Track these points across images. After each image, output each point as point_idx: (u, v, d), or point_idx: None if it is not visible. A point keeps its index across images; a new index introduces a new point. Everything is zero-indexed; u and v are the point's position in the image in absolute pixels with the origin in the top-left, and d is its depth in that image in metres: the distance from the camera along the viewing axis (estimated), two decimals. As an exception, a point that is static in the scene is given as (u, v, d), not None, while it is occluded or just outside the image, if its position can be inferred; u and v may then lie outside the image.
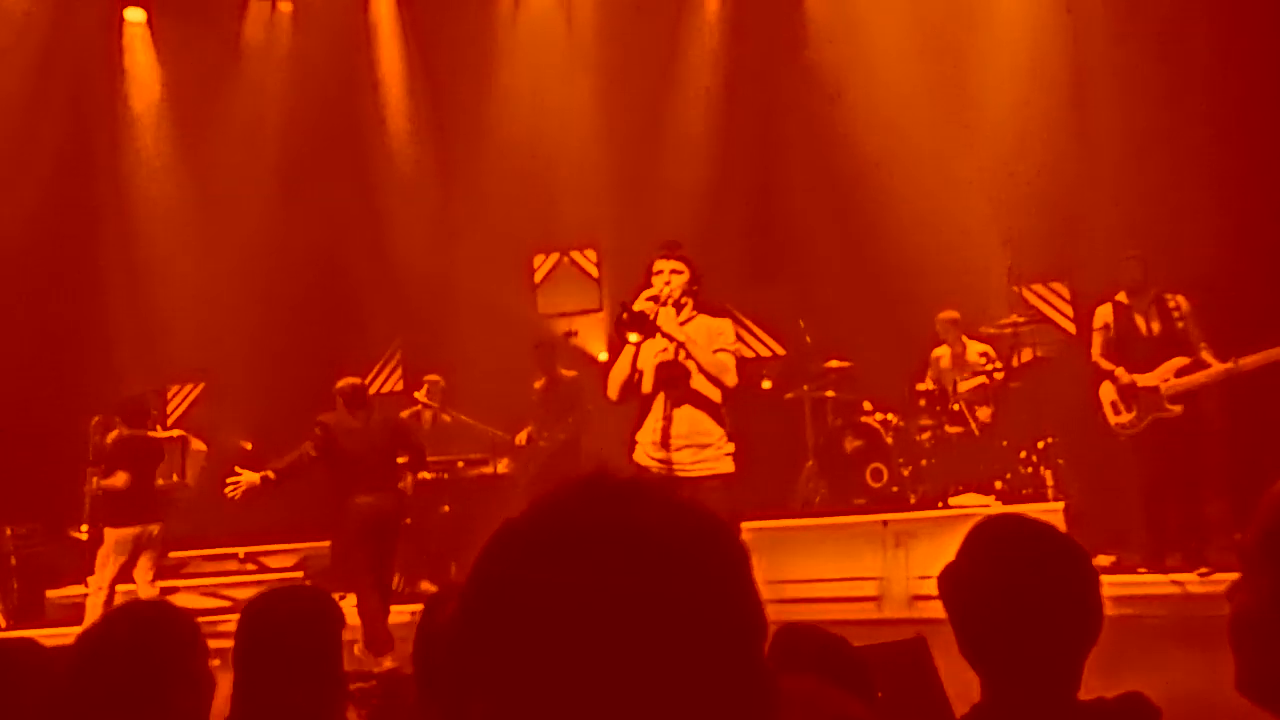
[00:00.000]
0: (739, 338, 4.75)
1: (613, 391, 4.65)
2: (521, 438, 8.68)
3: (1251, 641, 1.25)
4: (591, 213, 9.92)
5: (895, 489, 7.61)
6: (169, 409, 9.56)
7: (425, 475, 8.39)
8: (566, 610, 0.78)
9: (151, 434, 8.18)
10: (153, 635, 1.93)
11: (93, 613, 6.83)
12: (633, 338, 4.48)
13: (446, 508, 8.60)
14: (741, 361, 4.70)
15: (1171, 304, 6.59)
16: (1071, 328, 8.80)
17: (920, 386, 7.93)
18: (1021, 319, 7.80)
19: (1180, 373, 6.48)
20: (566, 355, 9.24)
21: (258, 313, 9.63)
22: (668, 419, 4.55)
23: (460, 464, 8.55)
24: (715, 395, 4.59)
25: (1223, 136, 7.56)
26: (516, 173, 9.78)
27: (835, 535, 7.11)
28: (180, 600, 8.27)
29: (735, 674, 0.79)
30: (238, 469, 6.52)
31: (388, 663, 6.27)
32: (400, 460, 7.04)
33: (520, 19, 10.20)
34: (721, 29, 9.77)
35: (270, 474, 6.53)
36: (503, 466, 8.60)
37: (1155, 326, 6.60)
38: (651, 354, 4.61)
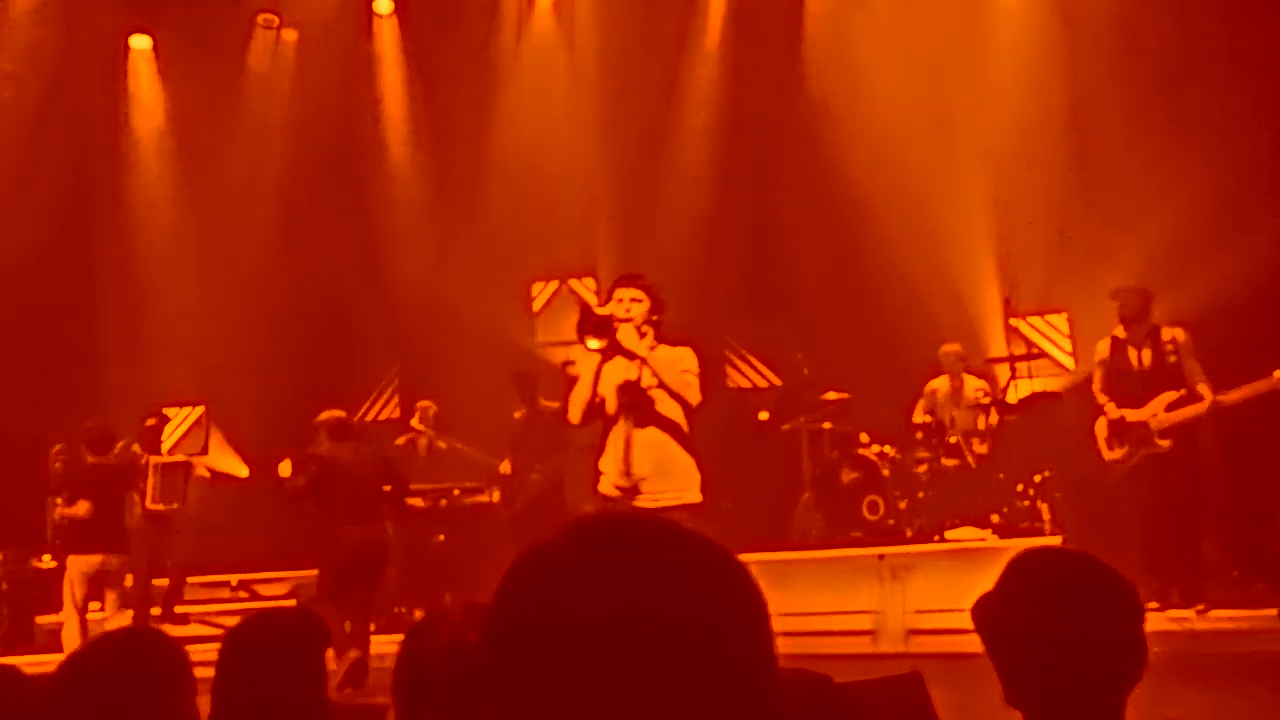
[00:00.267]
0: (703, 367, 4.59)
1: (574, 414, 4.56)
2: (505, 468, 8.56)
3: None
4: (591, 242, 9.95)
5: (891, 522, 7.58)
6: (166, 434, 9.49)
7: (417, 503, 8.38)
8: (587, 642, 0.80)
9: (157, 459, 8.18)
10: (137, 666, 1.90)
11: (69, 643, 6.77)
12: (592, 344, 4.35)
13: (441, 536, 8.57)
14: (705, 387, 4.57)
15: (1167, 337, 6.58)
16: (1070, 361, 8.80)
17: (917, 419, 7.92)
18: (1019, 352, 7.81)
19: (1170, 407, 6.46)
20: (553, 385, 9.09)
21: (255, 338, 9.63)
22: (630, 445, 4.45)
23: (456, 492, 8.52)
24: (680, 417, 4.48)
25: (1224, 167, 7.60)
26: (517, 201, 9.82)
27: (831, 568, 7.07)
28: (171, 627, 8.22)
29: (746, 710, 0.81)
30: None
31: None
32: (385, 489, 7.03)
33: (522, 49, 10.28)
34: (721, 61, 9.85)
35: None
36: (498, 495, 8.56)
37: (1147, 360, 6.59)
38: (613, 376, 4.51)
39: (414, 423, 9.03)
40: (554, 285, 10.42)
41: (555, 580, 0.84)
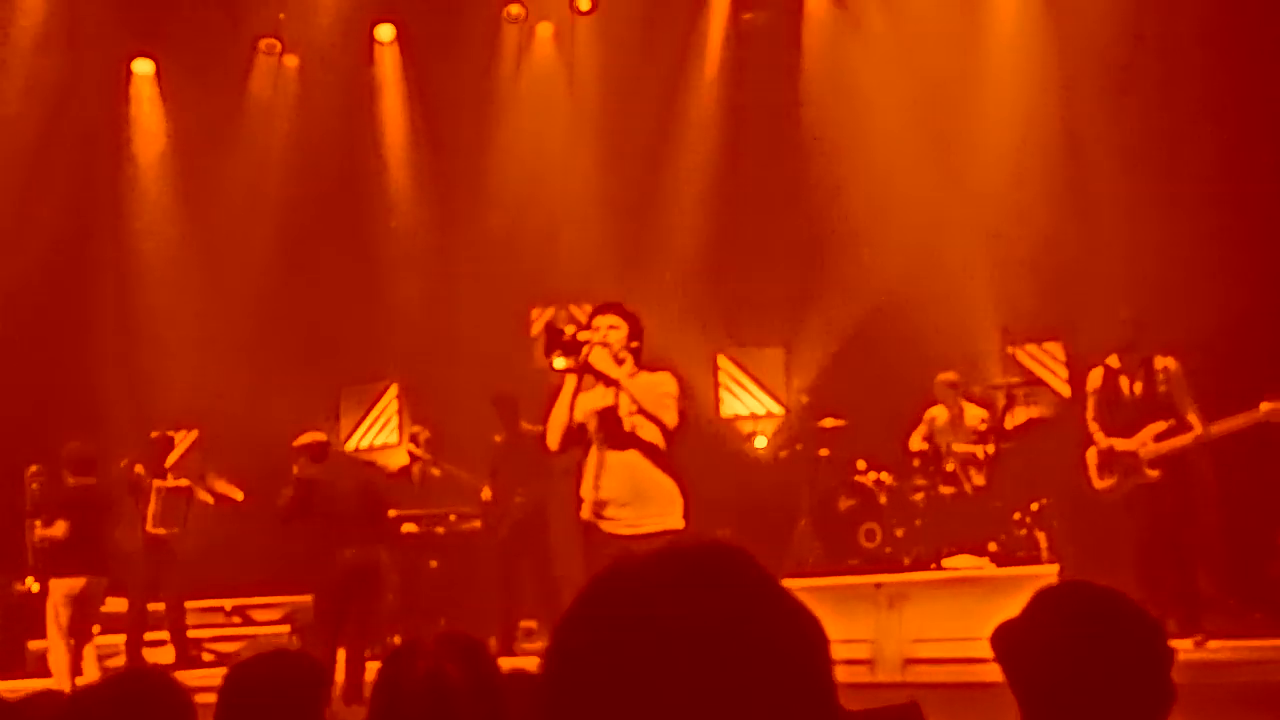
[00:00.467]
0: (684, 392, 4.59)
1: (552, 440, 4.55)
2: (486, 494, 8.37)
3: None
4: (589, 267, 9.98)
5: (889, 550, 7.56)
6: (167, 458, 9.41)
7: (412, 529, 8.36)
8: (653, 673, 0.80)
9: (160, 483, 8.15)
10: (143, 711, 1.88)
11: (56, 668, 6.70)
12: (558, 363, 4.35)
13: (435, 562, 8.54)
14: (683, 413, 4.55)
15: (1159, 366, 6.58)
16: (1066, 389, 8.81)
17: (914, 446, 7.92)
18: (1016, 380, 7.82)
19: (1159, 437, 6.46)
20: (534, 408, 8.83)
21: (252, 362, 9.63)
22: (608, 471, 4.44)
23: (452, 517, 8.49)
24: (658, 439, 4.46)
25: (1218, 197, 7.65)
26: (515, 227, 9.87)
27: (828, 596, 7.03)
28: (163, 654, 8.17)
29: None
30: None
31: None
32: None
33: (522, 77, 10.36)
34: (719, 91, 9.93)
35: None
36: (479, 523, 8.47)
37: (1138, 390, 6.60)
38: (589, 401, 4.50)
39: (410, 447, 9.01)
40: (552, 311, 10.44)
41: (625, 611, 0.84)
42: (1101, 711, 1.53)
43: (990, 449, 7.64)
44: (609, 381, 4.40)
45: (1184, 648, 6.20)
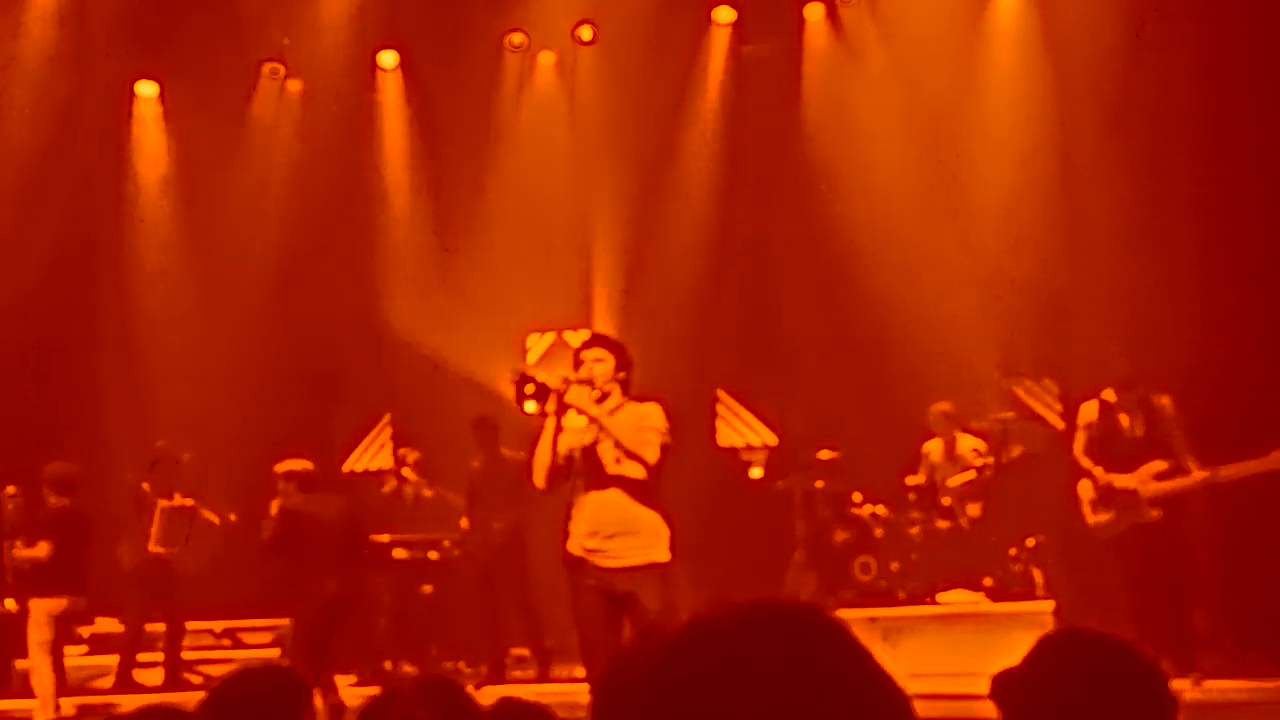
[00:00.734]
0: (669, 424, 4.55)
1: (539, 479, 4.57)
2: (463, 523, 8.26)
3: None
4: (586, 295, 10.00)
5: (884, 583, 7.53)
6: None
7: (402, 554, 8.31)
8: None
9: (165, 502, 8.12)
10: None
11: (41, 690, 6.63)
12: (529, 407, 4.44)
13: (429, 588, 8.47)
14: (668, 446, 4.53)
15: (1157, 404, 6.57)
16: (1060, 424, 8.80)
17: (911, 480, 7.91)
18: (1011, 415, 7.82)
19: (1160, 476, 6.41)
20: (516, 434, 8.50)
21: (248, 384, 9.63)
22: (592, 504, 4.47)
23: (446, 543, 8.43)
24: (640, 474, 4.46)
25: (1215, 235, 7.67)
26: (514, 253, 9.88)
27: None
28: (151, 676, 8.10)
29: None
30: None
31: None
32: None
33: (524, 105, 10.41)
34: (720, 120, 9.98)
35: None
36: (457, 551, 8.36)
37: (1140, 427, 6.56)
38: (571, 438, 4.53)
39: (405, 471, 8.98)
40: (549, 337, 10.45)
41: (712, 669, 0.84)
42: None
43: (989, 471, 7.61)
44: (590, 419, 4.42)
45: (1181, 687, 6.15)
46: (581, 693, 5.19)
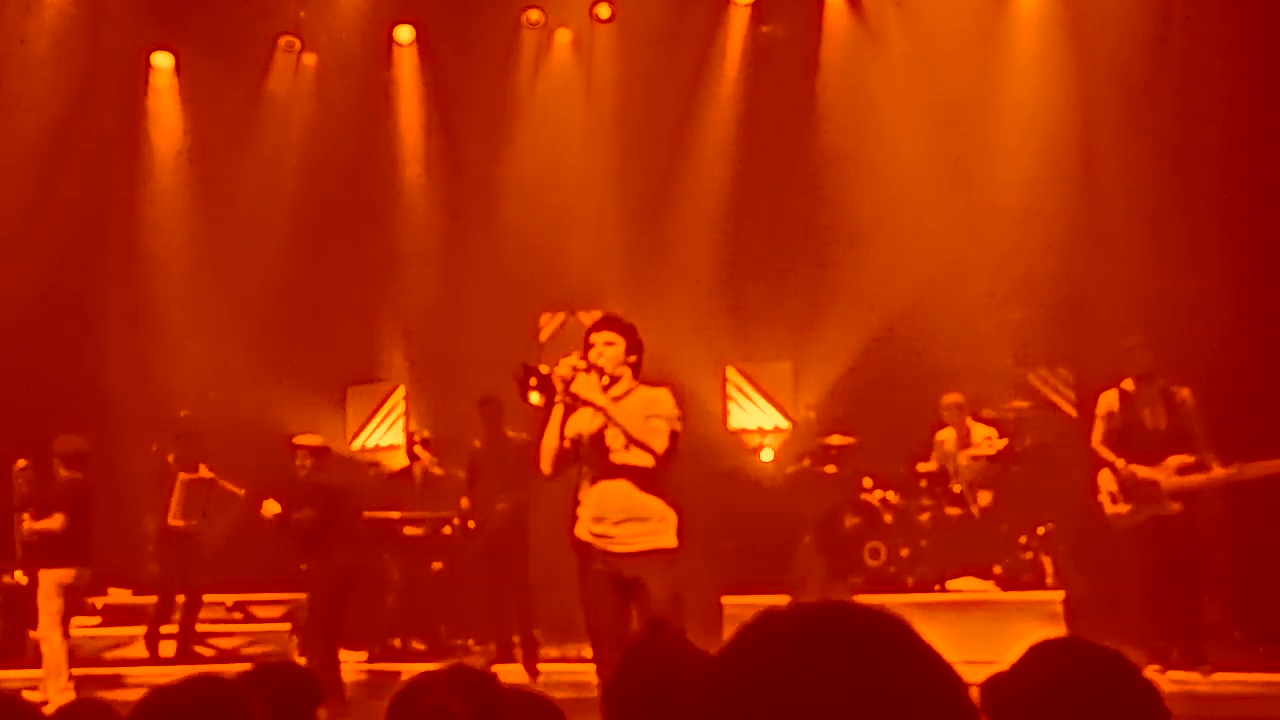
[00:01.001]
0: (680, 409, 4.52)
1: (545, 465, 4.53)
2: (464, 503, 8.16)
3: None
4: (600, 274, 9.96)
5: (893, 569, 7.52)
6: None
7: (416, 532, 8.33)
8: None
9: (185, 475, 8.19)
10: None
11: (54, 659, 6.72)
12: (534, 398, 4.37)
13: (438, 565, 8.49)
14: (677, 433, 4.47)
15: (1178, 397, 6.50)
16: (1074, 413, 8.75)
17: (922, 466, 7.87)
18: (1025, 403, 7.77)
19: (1182, 470, 6.36)
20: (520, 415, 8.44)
21: (261, 359, 9.65)
22: (599, 490, 4.44)
23: (457, 521, 8.44)
24: (648, 461, 4.42)
25: (1233, 224, 7.60)
26: (528, 231, 9.85)
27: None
28: (160, 648, 8.17)
29: None
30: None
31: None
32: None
33: (540, 83, 10.36)
34: (736, 104, 9.91)
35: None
36: (448, 529, 8.31)
37: (1162, 419, 6.49)
38: (579, 424, 4.49)
39: (416, 449, 8.99)
40: (562, 316, 10.43)
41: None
42: None
43: (999, 469, 7.58)
44: (596, 408, 4.39)
45: (1190, 680, 6.14)
46: (588, 672, 5.22)
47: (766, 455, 9.54)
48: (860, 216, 9.12)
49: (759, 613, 0.88)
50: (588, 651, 5.31)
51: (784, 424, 9.67)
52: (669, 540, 4.47)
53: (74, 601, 7.09)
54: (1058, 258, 8.58)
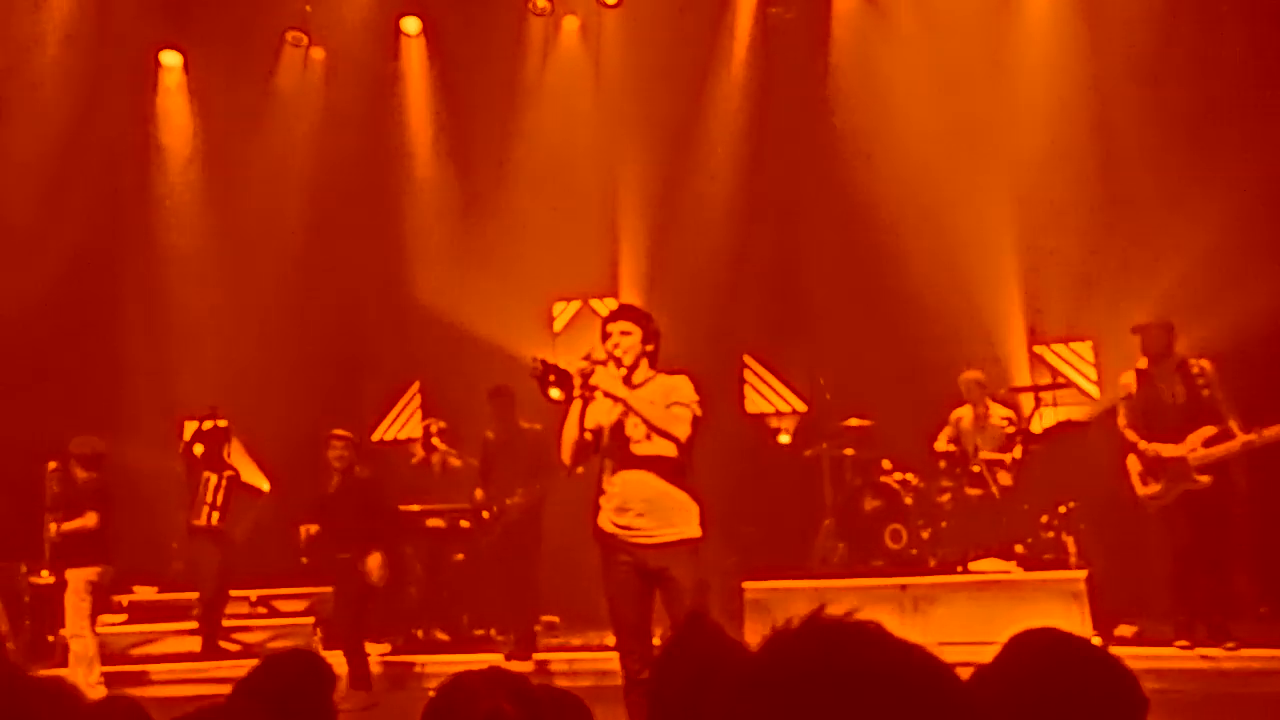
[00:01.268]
0: (699, 395, 4.47)
1: (565, 455, 4.52)
2: (478, 494, 8.07)
3: None
4: (613, 262, 9.95)
5: (914, 551, 7.49)
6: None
7: (438, 524, 8.35)
8: None
9: (209, 473, 8.27)
10: None
11: (85, 656, 6.81)
12: (554, 394, 4.37)
13: (460, 555, 8.52)
14: (698, 419, 4.43)
15: (1195, 369, 6.44)
16: (1095, 390, 8.69)
17: (940, 447, 7.83)
18: (1044, 382, 7.71)
19: (1208, 442, 6.32)
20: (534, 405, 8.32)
21: (276, 353, 9.68)
22: (622, 480, 4.44)
23: (485, 515, 8.41)
24: (670, 451, 4.41)
25: (1250, 196, 7.52)
26: (540, 222, 9.84)
27: (852, 597, 6.98)
28: (184, 644, 8.24)
29: None
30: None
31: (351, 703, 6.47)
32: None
33: (548, 71, 10.32)
34: (747, 87, 9.85)
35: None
36: (465, 523, 8.28)
37: (1180, 394, 6.44)
38: (599, 414, 4.48)
39: (433, 441, 9.00)
40: (575, 305, 10.42)
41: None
42: None
43: (1018, 453, 7.53)
44: (616, 400, 4.39)
45: (1216, 655, 6.10)
46: (609, 661, 5.22)
47: (784, 438, 9.51)
48: (874, 196, 9.05)
49: (794, 623, 0.88)
50: (609, 640, 5.31)
51: (801, 407, 9.63)
52: (693, 530, 4.45)
53: (101, 599, 7.20)
54: (1075, 233, 8.50)
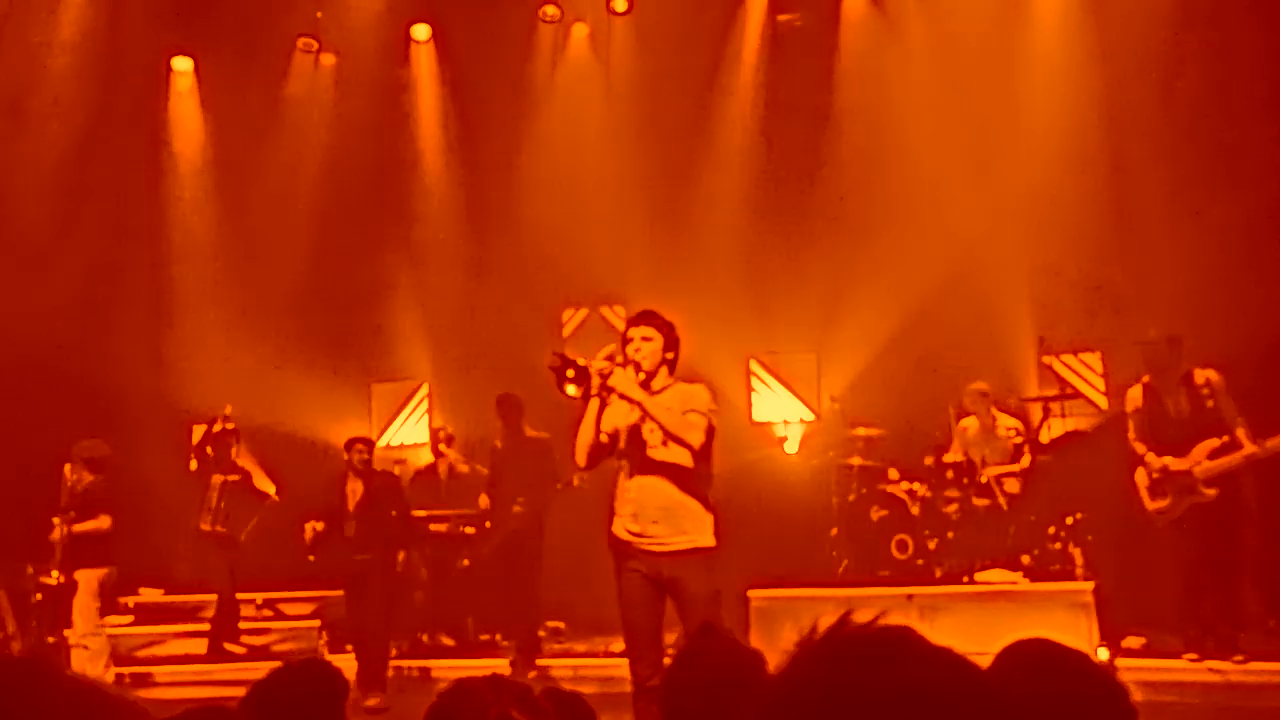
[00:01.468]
0: (717, 406, 4.48)
1: (580, 457, 4.48)
2: (483, 501, 8.11)
3: None
4: (622, 269, 9.95)
5: (921, 561, 7.47)
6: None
7: (441, 529, 8.36)
8: None
9: (218, 477, 8.29)
10: None
11: (97, 656, 6.85)
12: (570, 390, 4.32)
13: (466, 561, 8.52)
14: (714, 429, 4.42)
15: (1200, 381, 6.42)
16: (1103, 401, 8.67)
17: (947, 458, 7.81)
18: (1052, 392, 7.69)
19: (1213, 454, 6.30)
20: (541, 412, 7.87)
21: (285, 358, 9.70)
22: (637, 487, 4.40)
23: (487, 524, 8.43)
24: (685, 459, 4.38)
25: (1259, 210, 7.49)
26: (549, 226, 9.85)
27: (858, 607, 6.91)
28: (190, 646, 8.25)
29: None
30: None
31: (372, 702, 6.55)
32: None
33: (558, 77, 10.35)
34: (756, 92, 9.86)
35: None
36: (471, 529, 8.27)
37: (1184, 408, 6.43)
38: (615, 417, 4.45)
39: (440, 447, 9.02)
40: (584, 311, 10.43)
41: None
42: None
43: (1026, 460, 7.51)
44: (633, 403, 4.35)
45: (1224, 668, 6.06)
46: (617, 667, 5.21)
47: (791, 446, 9.50)
48: (882, 206, 9.05)
49: (819, 632, 0.87)
50: (614, 646, 5.32)
51: (808, 416, 9.62)
52: (707, 540, 4.42)
53: (107, 600, 7.29)
54: (1084, 244, 8.48)
